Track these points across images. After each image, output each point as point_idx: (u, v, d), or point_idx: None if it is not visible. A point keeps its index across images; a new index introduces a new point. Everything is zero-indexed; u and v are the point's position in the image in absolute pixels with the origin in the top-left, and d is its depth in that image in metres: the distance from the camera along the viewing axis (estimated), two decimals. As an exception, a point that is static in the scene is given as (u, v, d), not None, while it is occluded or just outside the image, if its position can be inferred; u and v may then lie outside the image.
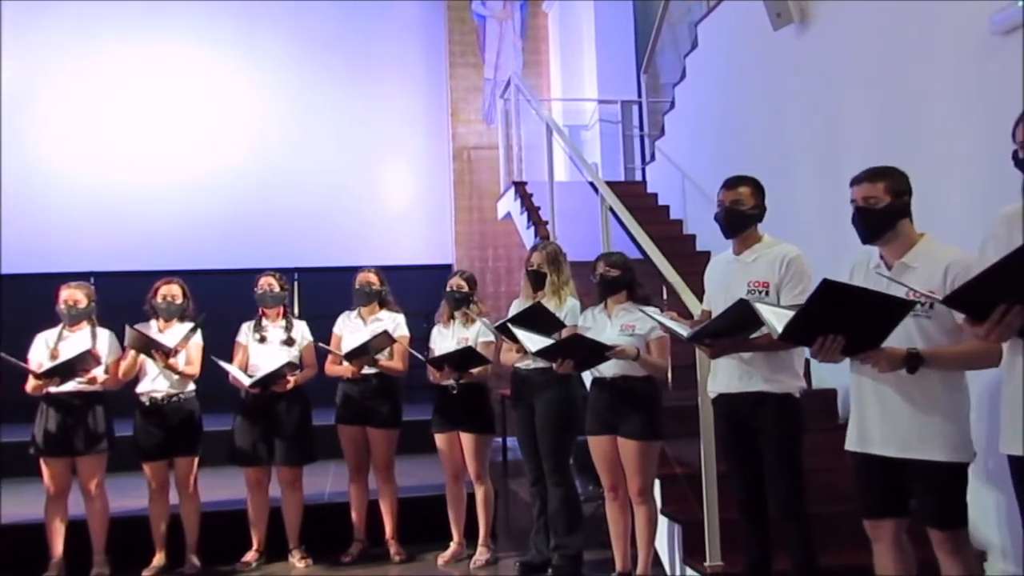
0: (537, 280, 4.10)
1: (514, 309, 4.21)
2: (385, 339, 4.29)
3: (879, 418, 2.58)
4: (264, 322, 4.43)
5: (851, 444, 2.69)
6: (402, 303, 4.65)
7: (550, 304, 3.95)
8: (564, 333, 3.83)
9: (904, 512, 2.62)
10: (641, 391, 3.61)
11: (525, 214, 6.77)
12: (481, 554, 4.34)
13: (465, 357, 4.17)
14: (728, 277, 3.17)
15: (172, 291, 4.29)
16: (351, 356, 4.31)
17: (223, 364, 4.26)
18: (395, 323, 4.48)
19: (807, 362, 3.50)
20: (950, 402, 2.51)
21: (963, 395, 2.55)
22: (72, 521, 4.21)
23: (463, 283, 4.39)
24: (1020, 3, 3.26)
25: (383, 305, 4.55)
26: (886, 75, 4.20)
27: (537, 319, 3.80)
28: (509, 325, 3.80)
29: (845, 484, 3.57)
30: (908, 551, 2.66)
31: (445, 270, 8.03)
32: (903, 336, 2.45)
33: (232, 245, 8.35)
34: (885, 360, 2.43)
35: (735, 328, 2.94)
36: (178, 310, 4.29)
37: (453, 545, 4.43)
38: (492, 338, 4.30)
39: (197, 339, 4.27)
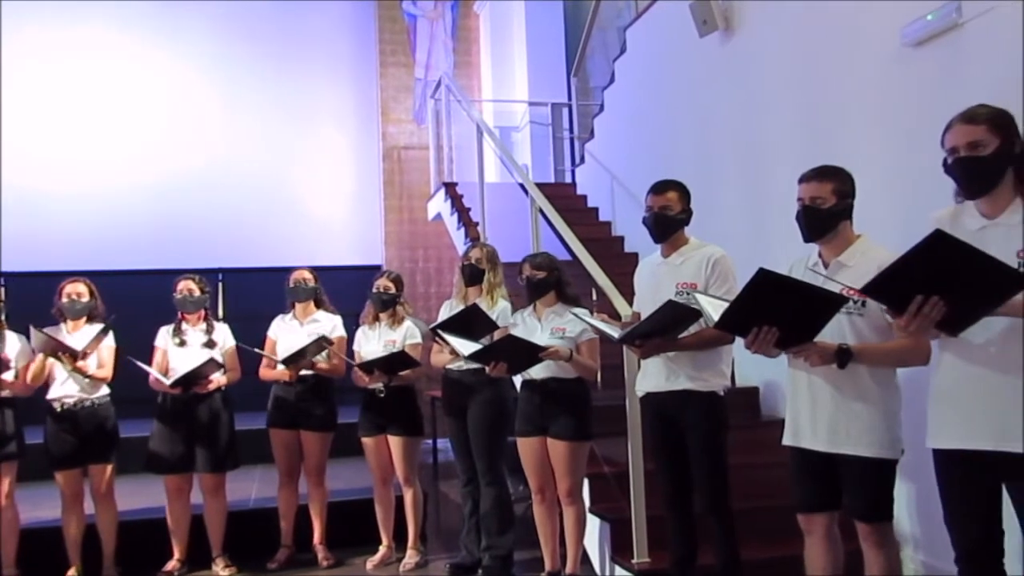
0: (473, 275, 4.08)
1: (445, 310, 4.20)
2: (322, 344, 4.23)
3: (810, 412, 2.66)
4: (184, 326, 4.29)
5: (787, 439, 2.75)
6: (331, 304, 4.59)
7: (483, 304, 3.95)
8: (496, 334, 3.83)
9: (836, 506, 2.69)
10: (571, 392, 3.63)
11: (456, 215, 6.76)
12: (411, 557, 4.31)
13: (395, 361, 4.14)
14: (657, 279, 3.23)
15: (77, 289, 4.11)
16: (288, 361, 4.23)
17: (141, 365, 4.11)
18: (332, 324, 4.43)
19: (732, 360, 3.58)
20: (880, 398, 2.58)
21: (894, 392, 2.63)
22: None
23: (390, 284, 4.35)
24: (929, 16, 3.40)
25: (319, 305, 4.48)
26: (806, 82, 4.33)
27: (472, 321, 3.79)
28: (439, 332, 3.79)
29: (768, 479, 3.68)
30: (838, 544, 2.74)
31: (375, 271, 7.92)
32: (836, 332, 2.53)
33: (154, 245, 8.09)
34: (817, 354, 2.50)
35: (664, 328, 2.99)
36: (84, 309, 4.12)
37: (382, 549, 4.39)
38: (420, 340, 4.28)
39: (109, 341, 4.12)
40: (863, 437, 2.55)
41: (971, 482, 2.18)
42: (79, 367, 3.97)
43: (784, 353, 2.59)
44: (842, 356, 2.50)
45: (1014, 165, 2.16)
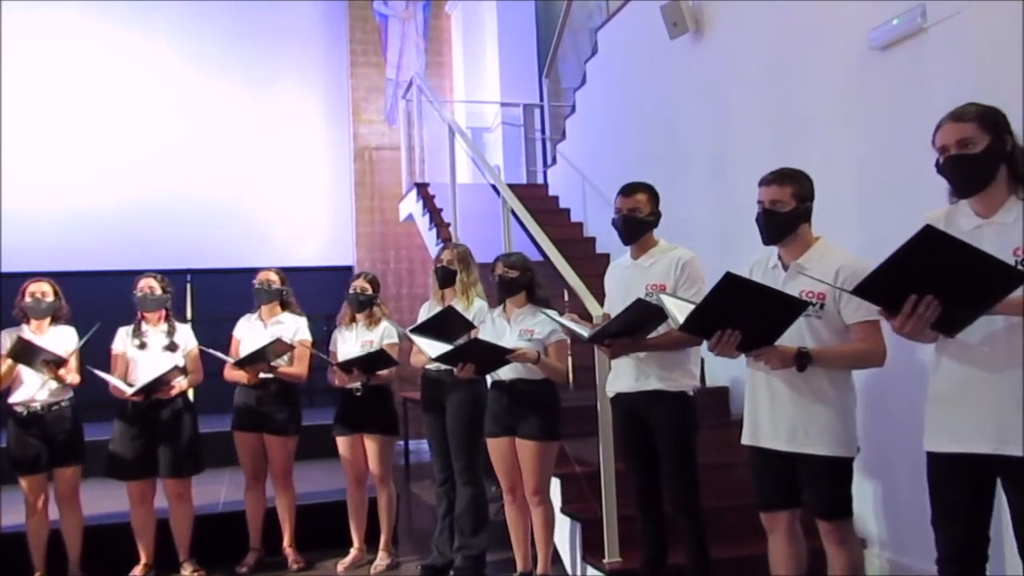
0: (446, 277, 4.08)
1: (424, 311, 4.20)
2: (282, 346, 4.17)
3: (769, 413, 2.69)
4: (144, 327, 4.20)
5: (745, 438, 2.78)
6: (303, 305, 4.54)
7: (459, 305, 3.94)
8: (475, 334, 3.83)
9: (797, 503, 2.73)
10: (539, 393, 3.63)
11: (427, 216, 6.75)
12: (382, 559, 4.29)
13: (374, 360, 4.12)
14: (627, 281, 3.24)
15: (42, 288, 4.03)
16: (244, 363, 4.17)
17: (101, 374, 4.02)
18: (297, 326, 4.37)
19: (701, 360, 3.61)
20: (837, 399, 2.62)
21: (850, 392, 2.67)
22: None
23: (367, 285, 4.33)
24: (895, 21, 3.45)
25: (285, 307, 4.43)
26: (774, 84, 4.38)
27: (448, 323, 3.79)
28: (408, 333, 3.78)
29: (737, 479, 3.72)
30: (801, 541, 2.77)
31: (346, 272, 7.91)
32: (795, 334, 2.55)
33: (121, 246, 7.96)
34: (777, 358, 2.53)
35: (633, 327, 3.01)
36: (49, 308, 4.03)
37: (353, 551, 4.37)
38: (396, 340, 4.27)
39: (75, 344, 4.05)
40: (822, 437, 2.59)
41: (964, 485, 2.16)
42: (60, 376, 3.90)
43: (745, 356, 2.62)
44: (801, 360, 2.53)
45: (1006, 162, 2.13)
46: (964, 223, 2.18)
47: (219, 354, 4.27)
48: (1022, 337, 2.04)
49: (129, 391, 3.98)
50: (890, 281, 1.99)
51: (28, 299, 4.01)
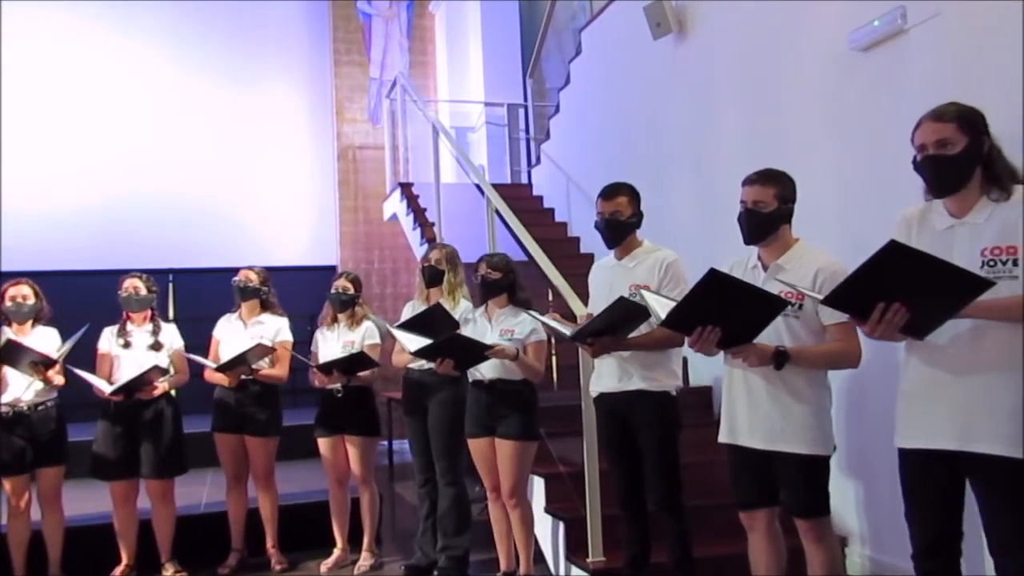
0: (433, 276, 4.07)
1: (408, 310, 4.19)
2: (263, 349, 4.15)
3: (747, 411, 2.71)
4: (129, 327, 4.18)
5: (723, 436, 2.81)
6: (286, 305, 4.51)
7: (445, 304, 3.94)
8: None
9: (775, 502, 2.75)
10: (518, 393, 3.63)
11: (411, 215, 6.74)
12: (365, 559, 4.28)
13: (355, 361, 4.11)
14: (611, 281, 3.25)
15: (22, 292, 4.00)
16: (225, 367, 4.14)
17: (80, 373, 3.98)
18: (277, 327, 4.34)
19: (684, 360, 3.62)
20: (813, 397, 2.65)
21: (825, 391, 2.70)
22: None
23: (349, 285, 4.31)
24: (876, 22, 3.49)
25: (265, 307, 4.39)
26: (756, 85, 4.41)
27: (435, 320, 3.79)
28: (390, 328, 3.79)
29: (720, 477, 3.73)
30: (780, 539, 2.80)
31: (330, 271, 7.87)
32: (772, 333, 2.58)
33: (103, 245, 7.90)
34: (755, 355, 2.55)
35: (615, 326, 3.02)
36: (31, 311, 4.00)
37: (336, 551, 4.35)
38: (379, 340, 4.26)
39: (58, 344, 4.01)
40: (799, 435, 2.62)
41: (934, 480, 2.21)
42: (48, 377, 3.86)
43: (724, 352, 2.64)
44: (779, 358, 2.55)
45: (983, 164, 2.16)
46: (938, 222, 2.23)
47: (200, 359, 4.24)
48: (986, 339, 2.10)
49: (108, 390, 3.96)
50: (859, 291, 2.06)
51: (9, 303, 3.98)
